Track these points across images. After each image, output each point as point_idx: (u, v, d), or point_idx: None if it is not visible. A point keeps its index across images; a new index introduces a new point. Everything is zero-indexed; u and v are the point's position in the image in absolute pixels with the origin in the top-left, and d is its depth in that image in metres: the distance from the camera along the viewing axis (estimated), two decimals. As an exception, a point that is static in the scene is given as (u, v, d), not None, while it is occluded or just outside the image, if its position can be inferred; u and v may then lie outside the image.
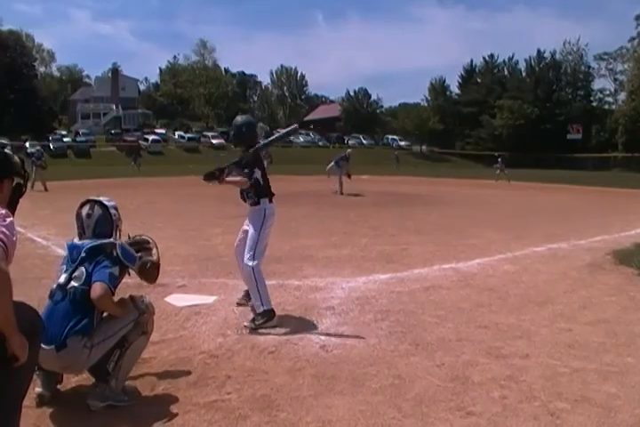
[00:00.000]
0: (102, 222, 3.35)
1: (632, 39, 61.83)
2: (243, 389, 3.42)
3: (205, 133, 62.35)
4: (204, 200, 16.02)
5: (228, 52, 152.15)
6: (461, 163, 60.29)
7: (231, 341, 4.28)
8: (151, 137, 56.16)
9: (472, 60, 77.32)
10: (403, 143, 68.33)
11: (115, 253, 3.24)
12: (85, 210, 3.37)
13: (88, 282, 3.11)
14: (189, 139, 59.56)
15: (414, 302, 5.44)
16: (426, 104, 75.40)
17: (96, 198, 3.45)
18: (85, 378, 3.42)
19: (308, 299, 5.52)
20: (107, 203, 3.41)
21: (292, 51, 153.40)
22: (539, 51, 71.18)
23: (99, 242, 3.26)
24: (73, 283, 3.14)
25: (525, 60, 72.54)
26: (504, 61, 75.56)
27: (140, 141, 52.55)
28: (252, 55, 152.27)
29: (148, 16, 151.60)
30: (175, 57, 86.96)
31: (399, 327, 4.64)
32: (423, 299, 5.60)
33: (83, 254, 3.20)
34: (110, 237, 3.36)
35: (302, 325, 4.69)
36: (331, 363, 3.84)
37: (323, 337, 4.36)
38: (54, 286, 3.21)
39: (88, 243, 3.26)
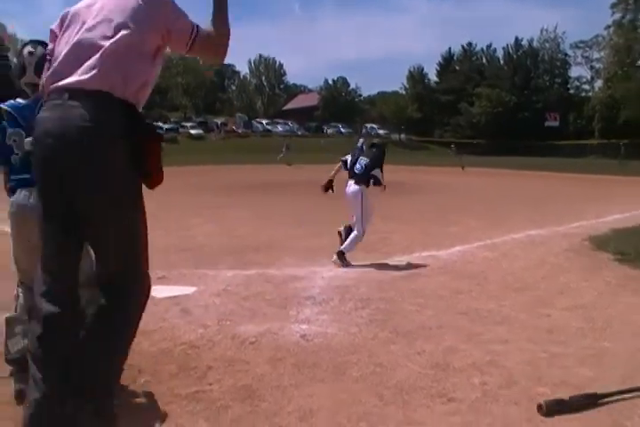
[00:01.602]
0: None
1: (608, 27, 62.19)
2: (224, 379, 3.40)
3: (184, 124, 61.64)
4: (184, 190, 15.87)
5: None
6: (439, 151, 60.53)
7: (212, 331, 4.26)
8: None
9: (450, 49, 77.82)
10: (381, 131, 68.31)
11: None
12: (28, 48, 3.16)
13: None
14: (168, 130, 58.54)
15: (394, 290, 5.46)
16: (404, 92, 75.49)
17: (40, 40, 3.23)
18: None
19: (288, 288, 5.50)
20: None
21: (269, 40, 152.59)
22: (516, 38, 71.88)
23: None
24: None
25: (503, 48, 73.11)
26: (482, 49, 76.16)
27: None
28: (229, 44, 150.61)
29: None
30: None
31: (379, 315, 4.65)
32: (403, 287, 5.61)
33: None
34: None
35: (282, 314, 4.67)
36: (311, 352, 3.84)
37: (303, 326, 4.35)
38: None
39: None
